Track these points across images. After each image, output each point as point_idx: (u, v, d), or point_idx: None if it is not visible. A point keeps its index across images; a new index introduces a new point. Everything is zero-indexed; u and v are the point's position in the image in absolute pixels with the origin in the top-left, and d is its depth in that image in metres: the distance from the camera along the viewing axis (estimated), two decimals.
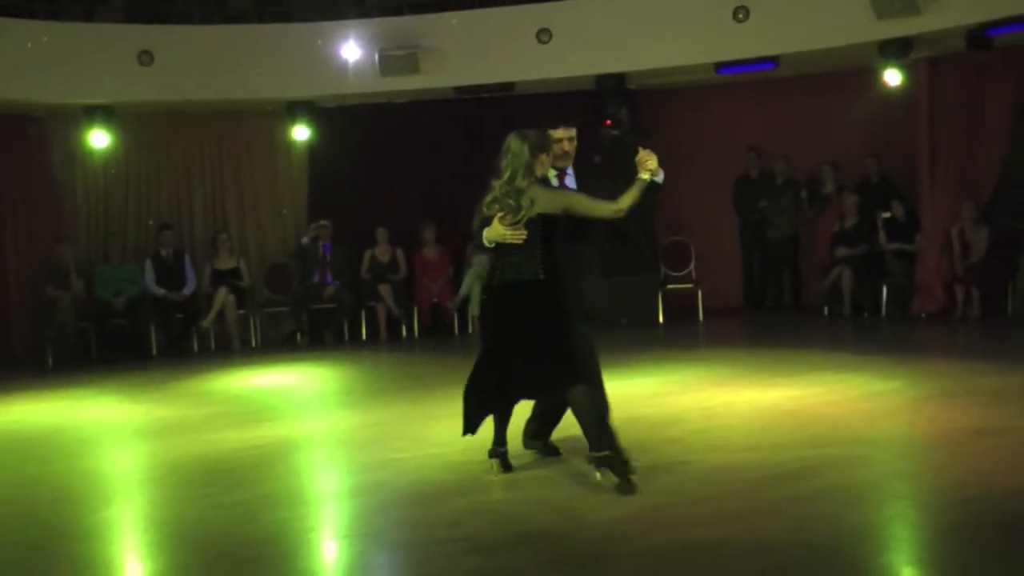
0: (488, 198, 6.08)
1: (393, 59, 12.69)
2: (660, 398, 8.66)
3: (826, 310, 13.52)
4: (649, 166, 6.06)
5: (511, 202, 5.97)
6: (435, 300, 13.85)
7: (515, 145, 6.02)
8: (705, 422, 7.56)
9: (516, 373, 5.96)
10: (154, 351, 13.54)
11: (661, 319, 13.45)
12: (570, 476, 6.19)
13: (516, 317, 5.99)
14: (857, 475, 6.24)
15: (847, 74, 13.53)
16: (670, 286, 13.98)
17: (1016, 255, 12.39)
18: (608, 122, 13.37)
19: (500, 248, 6.03)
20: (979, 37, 11.59)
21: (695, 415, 7.84)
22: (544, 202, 5.97)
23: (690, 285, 14.02)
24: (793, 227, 14.24)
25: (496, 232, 5.96)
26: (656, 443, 6.98)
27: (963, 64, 12.21)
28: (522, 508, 5.59)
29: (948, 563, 4.65)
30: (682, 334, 12.90)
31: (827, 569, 4.65)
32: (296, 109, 13.72)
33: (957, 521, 5.11)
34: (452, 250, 13.94)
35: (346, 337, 13.90)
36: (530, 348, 5.89)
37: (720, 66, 12.91)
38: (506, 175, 6.01)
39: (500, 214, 5.98)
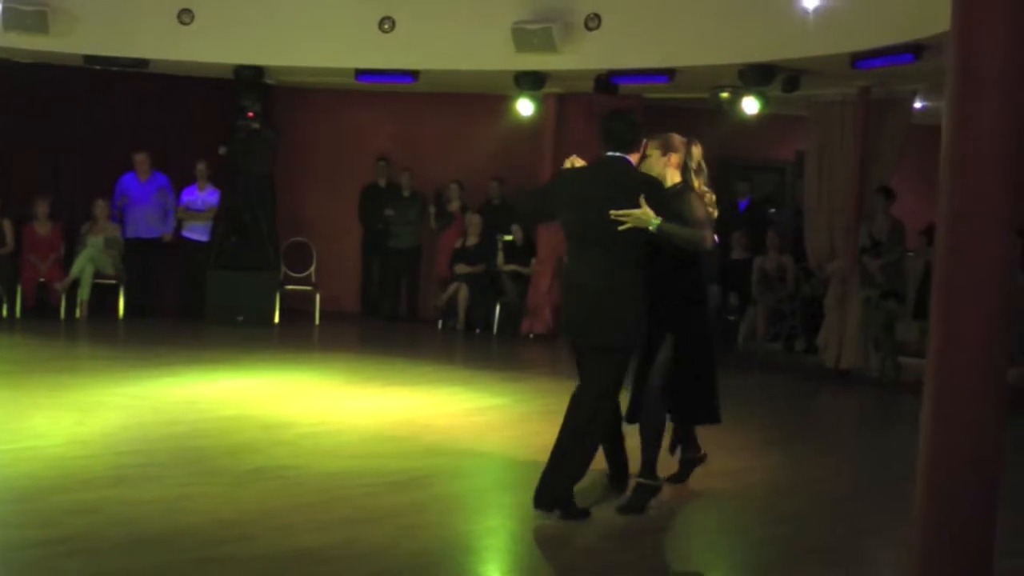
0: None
1: (19, 13, 11.70)
2: (273, 399, 8.57)
3: (440, 324, 13.88)
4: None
5: None
6: (42, 279, 12.94)
7: None
8: (318, 427, 7.55)
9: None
10: None
11: (277, 319, 13.28)
12: (176, 476, 5.99)
13: None
14: (465, 485, 6.48)
15: (482, 98, 14.00)
16: (289, 287, 13.84)
17: None
18: (250, 114, 13.09)
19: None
20: (606, 82, 12.33)
21: (308, 419, 7.81)
22: None
23: (309, 287, 13.96)
24: (416, 239, 14.51)
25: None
26: (268, 445, 6.92)
27: (589, 105, 12.97)
28: (128, 508, 5.35)
29: (545, 572, 4.89)
30: (298, 336, 12.82)
31: (430, 574, 4.78)
32: None
33: (555, 534, 5.40)
34: (65, 227, 13.09)
35: None
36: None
37: (361, 73, 12.96)
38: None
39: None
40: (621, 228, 5.41)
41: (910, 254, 11.31)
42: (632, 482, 6.00)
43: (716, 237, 5.84)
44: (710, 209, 5.84)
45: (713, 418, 6.18)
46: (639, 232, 5.44)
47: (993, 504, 3.97)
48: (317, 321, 13.65)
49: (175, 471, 6.13)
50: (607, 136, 5.69)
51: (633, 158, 5.75)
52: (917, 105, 11.66)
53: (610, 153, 5.68)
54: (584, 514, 5.62)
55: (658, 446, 5.92)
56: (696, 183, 5.91)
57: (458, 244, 13.96)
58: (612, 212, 5.42)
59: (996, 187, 3.78)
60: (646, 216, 5.39)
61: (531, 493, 5.97)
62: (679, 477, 6.40)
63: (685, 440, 6.41)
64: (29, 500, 5.42)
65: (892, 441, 9.32)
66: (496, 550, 5.33)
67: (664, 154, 5.89)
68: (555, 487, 5.55)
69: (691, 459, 6.42)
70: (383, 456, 6.82)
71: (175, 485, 5.79)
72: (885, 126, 11.33)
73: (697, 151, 5.99)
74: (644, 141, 5.89)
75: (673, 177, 5.88)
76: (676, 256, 5.74)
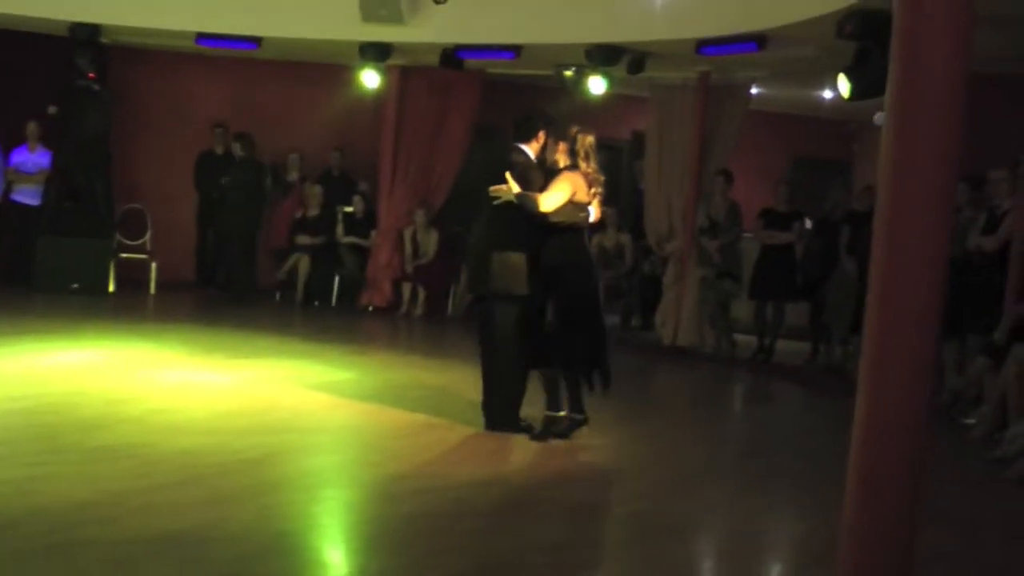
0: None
1: None
2: (115, 373, 8.32)
3: (278, 295, 13.69)
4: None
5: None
6: None
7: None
8: (165, 402, 7.38)
9: None
10: None
11: (112, 288, 12.87)
12: (22, 454, 5.78)
13: None
14: (321, 462, 6.46)
15: (325, 67, 13.83)
16: (124, 255, 13.41)
17: (460, 260, 13.32)
18: (91, 75, 12.59)
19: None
20: (451, 56, 12.33)
21: (153, 394, 7.64)
22: None
23: (144, 256, 13.56)
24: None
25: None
26: (116, 422, 6.72)
27: (433, 78, 12.95)
28: None
29: (402, 551, 4.91)
30: (133, 306, 12.47)
31: (295, 555, 4.76)
32: None
33: (412, 511, 5.43)
34: None
35: None
36: None
37: (201, 37, 12.61)
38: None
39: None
40: (496, 203, 6.84)
41: (746, 235, 11.70)
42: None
43: (593, 212, 7.02)
44: (594, 189, 6.95)
45: (593, 373, 7.04)
46: (508, 203, 6.81)
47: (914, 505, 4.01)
48: (153, 290, 13.28)
49: (22, 449, 5.89)
50: (513, 129, 7.15)
51: (533, 147, 7.06)
52: (753, 92, 12.05)
53: (513, 143, 7.09)
54: (530, 429, 7.01)
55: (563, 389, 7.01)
56: (583, 166, 6.94)
57: (298, 215, 13.78)
58: (491, 188, 6.83)
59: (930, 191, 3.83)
60: (509, 189, 6.76)
61: (387, 470, 6.25)
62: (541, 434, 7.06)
63: (573, 401, 7.08)
64: None
65: (732, 416, 9.73)
66: (358, 527, 5.33)
67: (555, 142, 7.03)
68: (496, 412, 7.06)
69: (577, 420, 7.10)
70: (234, 433, 6.70)
71: (24, 464, 5.57)
72: (723, 111, 11.71)
73: (586, 140, 6.99)
74: (543, 133, 7.07)
75: (563, 161, 6.97)
76: (555, 225, 6.84)
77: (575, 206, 6.86)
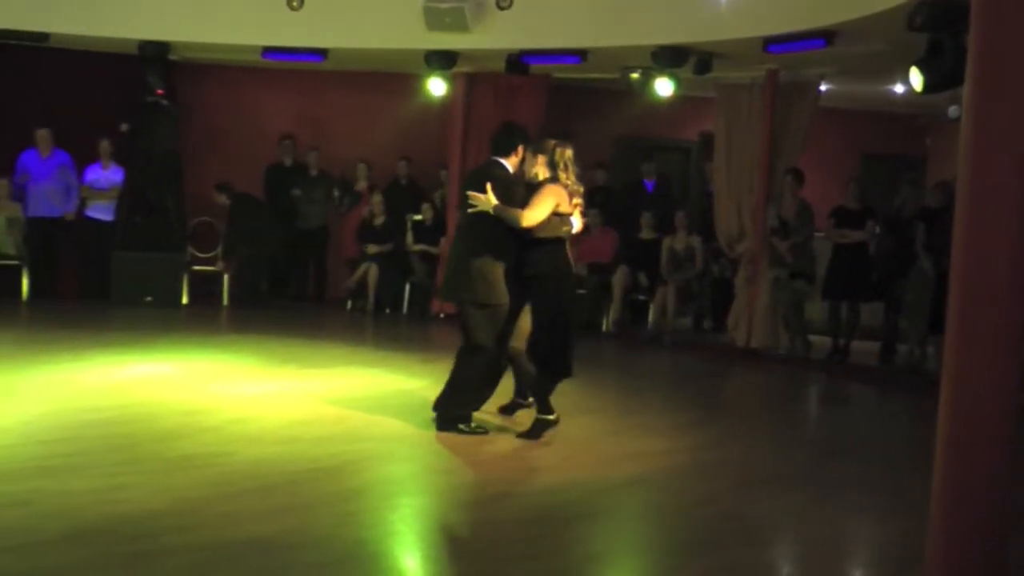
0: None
1: None
2: (191, 384, 8.41)
3: (349, 304, 13.78)
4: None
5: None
6: None
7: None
8: (241, 412, 7.44)
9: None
10: None
11: (185, 300, 13.05)
12: (104, 464, 5.87)
13: None
14: (397, 470, 6.48)
15: (391, 76, 13.90)
16: (196, 267, 13.59)
17: None
18: (160, 91, 12.80)
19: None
20: (517, 62, 12.33)
21: (230, 404, 7.70)
22: None
23: (217, 268, 13.70)
24: (323, 219, 14.36)
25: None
26: (193, 431, 6.80)
27: (498, 85, 12.97)
28: (59, 500, 5.19)
29: (478, 558, 4.90)
30: (206, 318, 12.61)
31: (374, 562, 4.77)
32: None
33: (488, 517, 5.42)
34: None
35: None
36: None
37: (267, 51, 12.75)
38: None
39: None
40: (471, 211, 6.99)
41: (818, 235, 11.56)
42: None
43: (576, 223, 7.15)
44: (575, 200, 7.09)
45: (565, 372, 7.20)
46: (486, 213, 6.93)
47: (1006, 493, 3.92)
48: (226, 302, 13.43)
49: (102, 459, 5.98)
50: (492, 144, 7.31)
51: (512, 161, 7.15)
52: (822, 88, 11.91)
53: (492, 157, 7.22)
54: (483, 431, 7.18)
55: (537, 390, 7.21)
56: (563, 177, 7.07)
57: (363, 222, 13.82)
58: (469, 193, 6.98)
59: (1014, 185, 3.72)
60: (487, 200, 6.88)
61: (461, 477, 6.31)
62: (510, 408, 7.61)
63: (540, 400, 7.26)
64: None
65: (806, 419, 9.60)
66: (434, 534, 5.34)
67: (535, 155, 7.12)
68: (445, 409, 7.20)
69: (543, 420, 7.21)
70: (310, 441, 6.75)
71: (104, 475, 5.65)
72: (792, 109, 11.58)
73: (564, 152, 7.11)
74: (521, 147, 7.17)
75: (544, 173, 7.09)
76: (532, 235, 6.97)
77: (559, 218, 7.00)
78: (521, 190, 7.06)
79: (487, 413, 7.45)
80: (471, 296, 7.05)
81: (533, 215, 6.88)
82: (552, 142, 7.18)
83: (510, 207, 6.90)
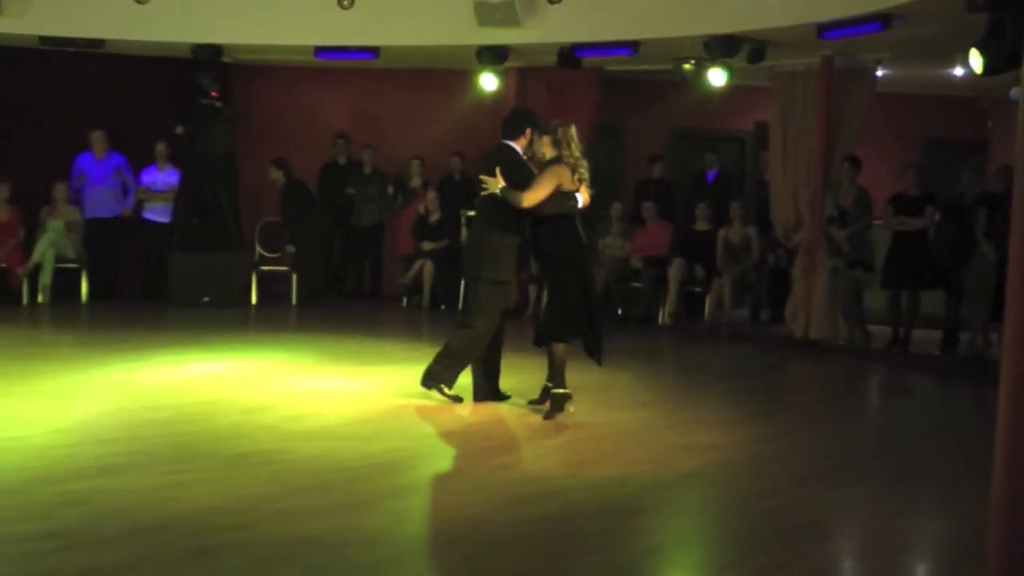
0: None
1: None
2: (248, 382, 8.47)
3: (405, 301, 13.81)
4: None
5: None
6: (3, 265, 12.68)
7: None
8: (298, 410, 7.47)
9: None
10: None
11: (255, 300, 13.23)
12: (163, 463, 5.92)
13: None
14: (451, 466, 6.45)
15: (443, 73, 13.91)
16: (264, 267, 13.71)
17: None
18: (214, 94, 12.93)
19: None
20: (569, 55, 12.27)
21: (287, 402, 7.73)
22: None
23: (285, 268, 13.76)
24: (378, 217, 14.41)
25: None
26: (251, 429, 6.84)
27: (551, 78, 12.92)
28: (119, 498, 5.24)
29: (536, 553, 4.86)
30: (266, 317, 12.71)
31: (431, 559, 4.77)
32: None
33: (544, 512, 5.39)
34: (25, 212, 12.84)
35: None
36: None
37: (320, 50, 12.82)
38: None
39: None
40: (483, 193, 7.53)
41: (877, 223, 11.38)
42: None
43: (580, 198, 7.44)
44: (578, 175, 7.41)
45: (559, 337, 7.49)
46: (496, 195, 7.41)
47: None
48: (294, 301, 13.51)
49: (161, 458, 6.03)
50: (502, 128, 7.78)
51: (522, 143, 7.65)
52: (879, 73, 11.73)
53: (502, 141, 7.70)
54: (457, 399, 7.78)
55: (550, 363, 7.52)
56: (566, 154, 7.42)
57: (419, 219, 13.84)
58: (480, 176, 7.53)
59: None
60: (495, 183, 7.36)
61: (517, 472, 6.32)
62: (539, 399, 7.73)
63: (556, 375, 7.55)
64: (19, 493, 5.30)
65: (866, 411, 9.45)
66: (492, 529, 5.30)
67: (540, 136, 7.56)
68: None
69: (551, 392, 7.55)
70: (366, 438, 6.76)
71: (163, 473, 5.70)
72: (849, 95, 11.42)
73: (568, 131, 7.49)
74: (529, 129, 7.64)
75: (550, 153, 7.48)
76: (547, 216, 7.39)
77: (563, 196, 7.39)
78: (531, 170, 7.56)
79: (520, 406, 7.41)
80: (485, 273, 7.59)
81: (532, 196, 7.33)
82: (555, 122, 7.73)
83: (516, 189, 7.36)
